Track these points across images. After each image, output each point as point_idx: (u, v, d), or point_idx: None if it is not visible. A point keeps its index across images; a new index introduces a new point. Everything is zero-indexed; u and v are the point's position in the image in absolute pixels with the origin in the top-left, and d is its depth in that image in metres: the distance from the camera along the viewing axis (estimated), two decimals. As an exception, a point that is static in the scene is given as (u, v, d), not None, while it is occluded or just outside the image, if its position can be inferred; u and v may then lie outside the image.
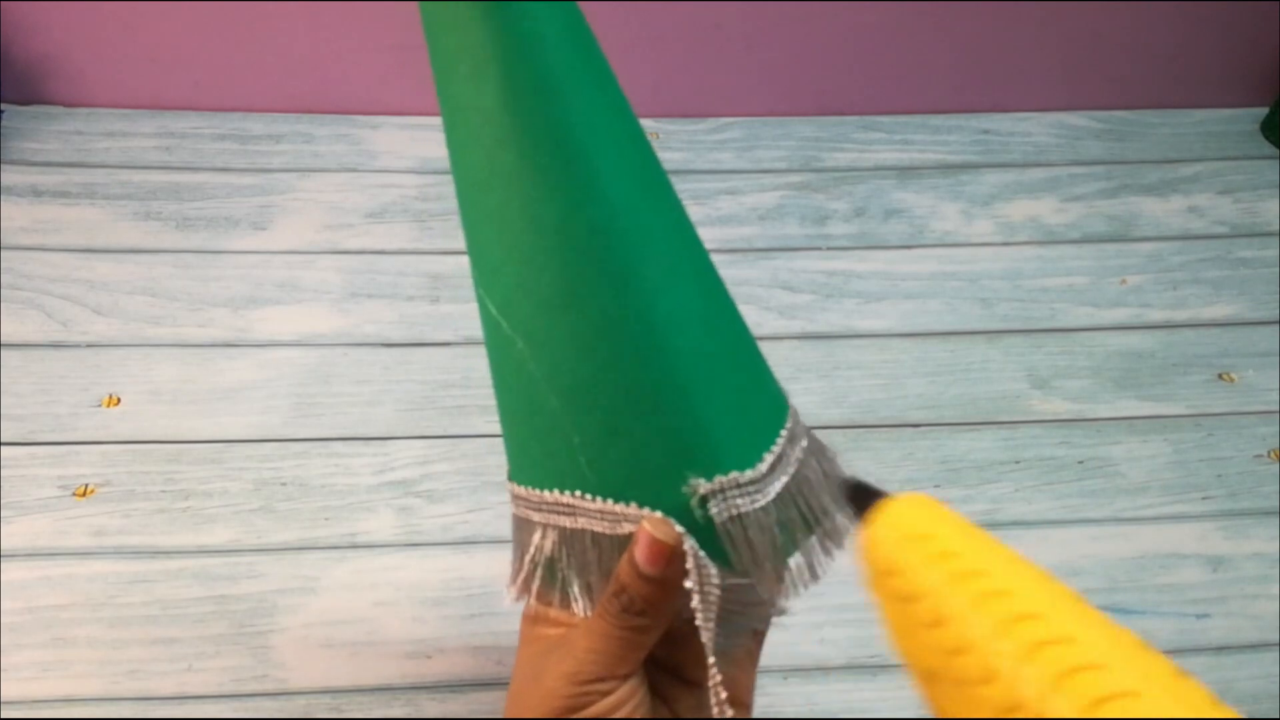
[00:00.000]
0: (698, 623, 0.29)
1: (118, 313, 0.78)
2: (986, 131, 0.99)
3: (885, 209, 0.91)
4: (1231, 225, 0.91)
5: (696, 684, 0.33)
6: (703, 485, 0.29)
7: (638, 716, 0.29)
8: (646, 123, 0.98)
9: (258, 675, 0.60)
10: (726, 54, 0.95)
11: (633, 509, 0.30)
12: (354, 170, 0.92)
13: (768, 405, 0.33)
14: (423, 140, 0.95)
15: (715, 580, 0.29)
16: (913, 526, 0.24)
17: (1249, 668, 0.63)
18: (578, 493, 0.30)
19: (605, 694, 0.29)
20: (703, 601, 0.29)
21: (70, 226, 0.84)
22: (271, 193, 0.89)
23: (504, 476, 0.34)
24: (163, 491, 0.68)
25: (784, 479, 0.32)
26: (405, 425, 0.73)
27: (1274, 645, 0.64)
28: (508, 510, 0.35)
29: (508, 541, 0.35)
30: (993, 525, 0.69)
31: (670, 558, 0.29)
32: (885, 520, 0.24)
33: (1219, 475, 0.72)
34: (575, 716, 0.28)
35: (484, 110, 0.30)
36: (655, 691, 0.32)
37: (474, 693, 0.61)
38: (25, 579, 0.64)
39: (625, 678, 0.29)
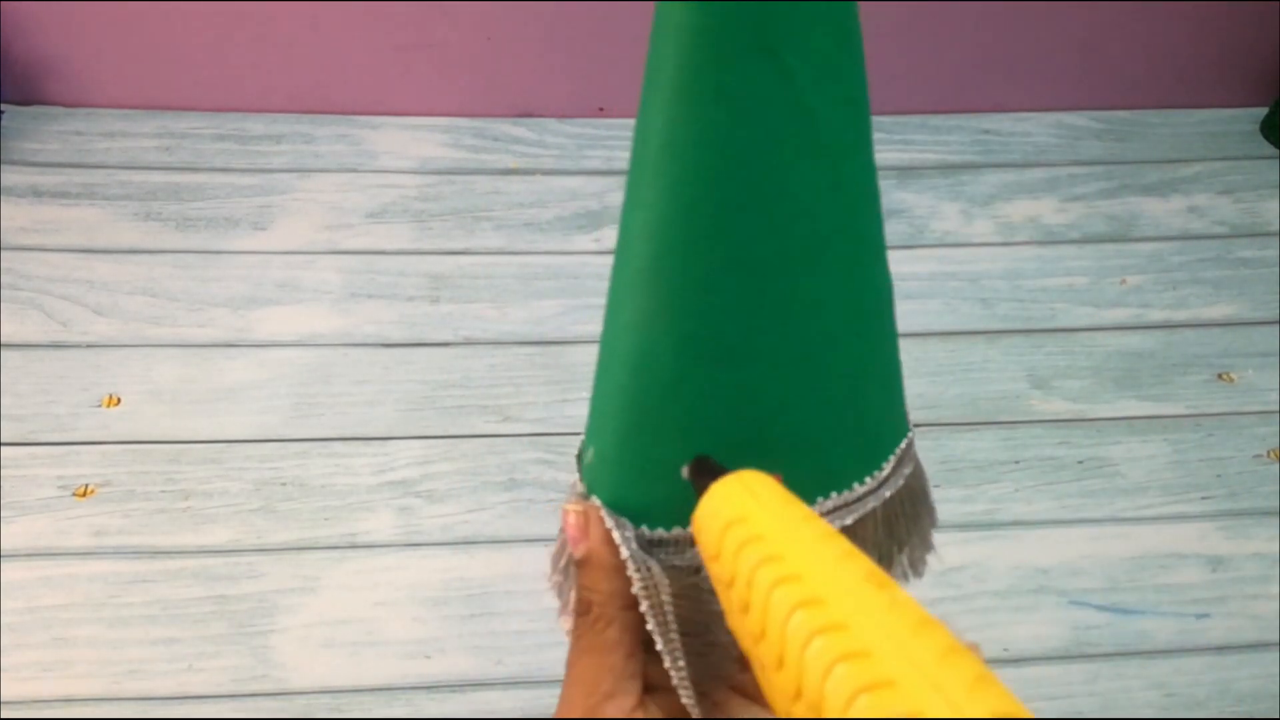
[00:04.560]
0: (634, 589, 0.27)
1: (118, 313, 0.78)
2: (986, 131, 0.99)
3: (885, 209, 0.91)
4: (1231, 225, 0.91)
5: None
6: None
7: None
8: (646, 123, 0.98)
9: (258, 675, 0.60)
10: (726, 54, 0.95)
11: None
12: (354, 170, 0.91)
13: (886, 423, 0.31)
14: (423, 140, 0.95)
15: (630, 532, 0.28)
16: (730, 511, 0.24)
17: (1249, 668, 0.63)
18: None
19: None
20: (631, 560, 0.27)
21: (70, 226, 0.84)
22: (271, 193, 0.89)
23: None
24: (163, 491, 0.68)
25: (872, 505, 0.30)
26: (405, 425, 0.73)
27: (1274, 645, 0.64)
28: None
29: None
30: (993, 525, 0.69)
31: (582, 530, 0.28)
32: (706, 504, 0.25)
33: (1219, 475, 0.72)
34: None
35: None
36: (730, 714, 0.31)
37: (474, 693, 0.61)
38: (25, 579, 0.64)
39: (611, 697, 0.27)
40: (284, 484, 0.69)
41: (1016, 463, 0.73)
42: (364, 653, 0.62)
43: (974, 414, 0.76)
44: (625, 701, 0.26)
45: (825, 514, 0.29)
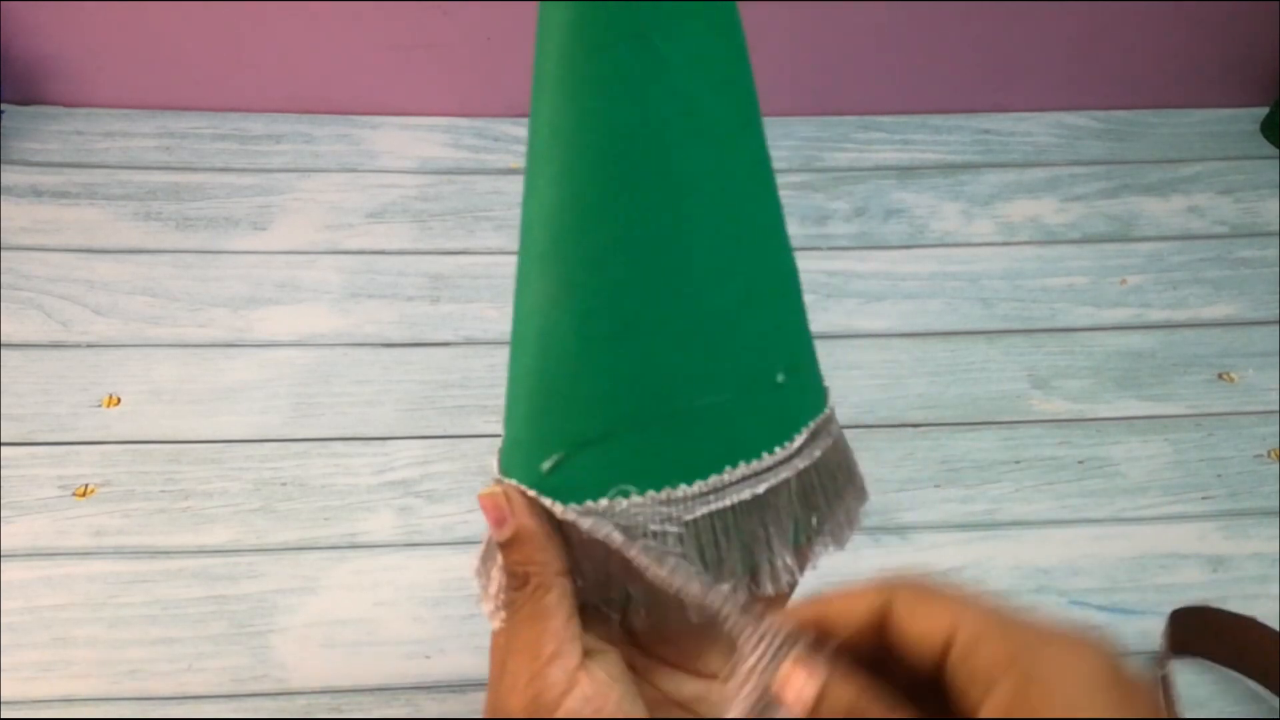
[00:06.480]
0: (603, 537, 0.29)
1: (118, 313, 0.78)
2: (986, 131, 0.99)
3: (885, 209, 0.91)
4: (1231, 225, 0.91)
5: (711, 677, 0.32)
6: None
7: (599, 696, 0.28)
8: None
9: (258, 675, 0.60)
10: (726, 54, 0.95)
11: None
12: (354, 170, 0.92)
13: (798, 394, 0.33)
14: (423, 140, 0.95)
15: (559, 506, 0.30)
16: None
17: (1249, 668, 0.63)
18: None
19: (557, 686, 0.28)
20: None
21: (70, 226, 0.84)
22: (271, 193, 0.89)
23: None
24: (163, 491, 0.68)
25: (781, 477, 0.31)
26: (405, 425, 0.73)
27: (1274, 645, 0.64)
28: None
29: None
30: (993, 525, 0.69)
31: (504, 510, 0.29)
32: None
33: (1219, 475, 0.72)
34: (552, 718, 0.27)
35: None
36: (673, 694, 0.31)
37: (474, 693, 0.61)
38: (25, 579, 0.64)
39: (555, 658, 0.28)
40: (284, 484, 0.69)
41: (1016, 463, 0.73)
42: (364, 653, 0.62)
43: (974, 414, 0.76)
44: (568, 662, 0.28)
45: (736, 482, 0.30)
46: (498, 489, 0.30)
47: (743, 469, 0.30)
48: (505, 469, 0.32)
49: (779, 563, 0.31)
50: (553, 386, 0.30)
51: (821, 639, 0.25)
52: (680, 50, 0.28)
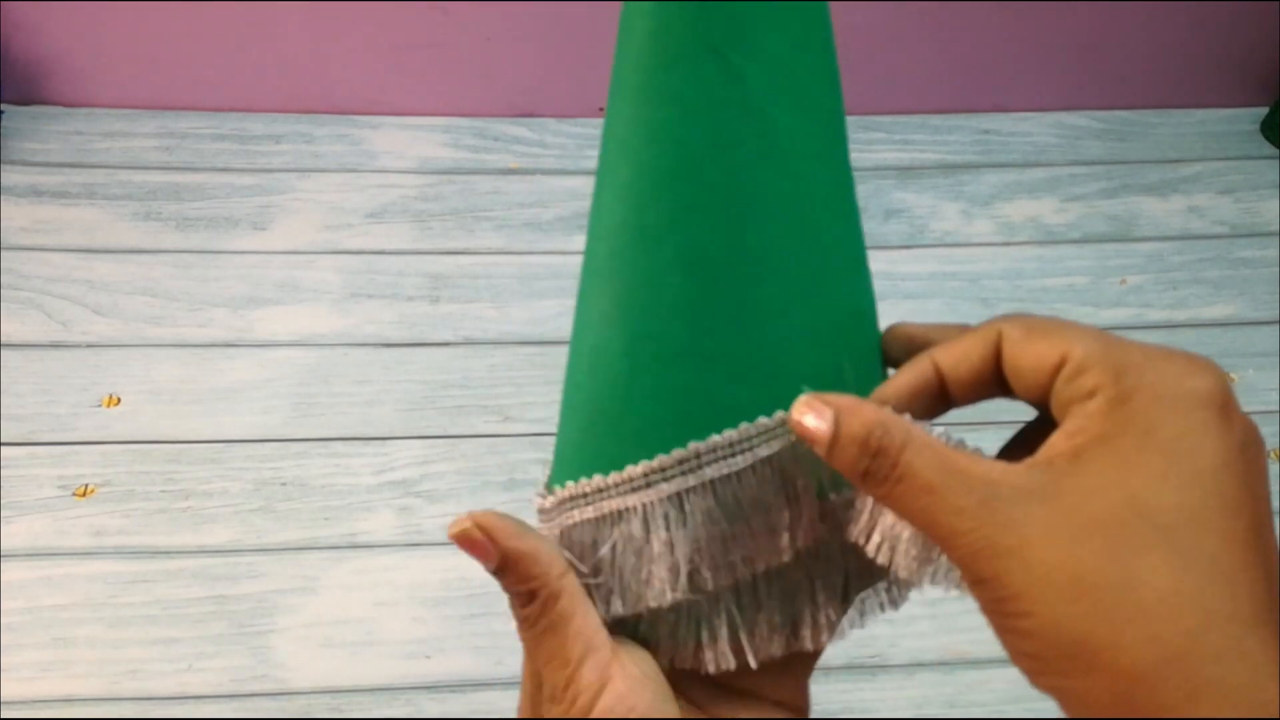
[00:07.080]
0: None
1: (118, 313, 0.78)
2: (986, 131, 0.99)
3: (885, 209, 0.91)
4: (1231, 225, 0.91)
5: (748, 693, 0.31)
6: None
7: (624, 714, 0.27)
8: (646, 123, 0.99)
9: (258, 675, 0.60)
10: (726, 54, 0.95)
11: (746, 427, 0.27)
12: (354, 170, 0.91)
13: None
14: (423, 140, 0.95)
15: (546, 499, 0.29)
16: None
17: (1249, 668, 0.63)
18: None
19: (592, 688, 0.27)
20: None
21: (70, 226, 0.84)
22: (271, 193, 0.89)
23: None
24: (163, 491, 0.68)
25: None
26: (405, 425, 0.73)
27: (1274, 645, 0.64)
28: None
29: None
30: (993, 525, 0.69)
31: (482, 542, 0.27)
32: None
33: (1219, 475, 0.72)
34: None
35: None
36: (703, 707, 0.30)
37: (474, 693, 0.61)
38: (25, 579, 0.64)
39: (586, 657, 0.27)
40: (284, 484, 0.69)
41: (1017, 463, 0.73)
42: (364, 653, 0.62)
43: (974, 414, 0.75)
44: (600, 657, 0.27)
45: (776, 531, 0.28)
46: (466, 522, 0.28)
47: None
48: (552, 480, 0.30)
49: (822, 617, 0.30)
50: (600, 407, 0.29)
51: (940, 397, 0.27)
52: (760, 68, 0.26)
